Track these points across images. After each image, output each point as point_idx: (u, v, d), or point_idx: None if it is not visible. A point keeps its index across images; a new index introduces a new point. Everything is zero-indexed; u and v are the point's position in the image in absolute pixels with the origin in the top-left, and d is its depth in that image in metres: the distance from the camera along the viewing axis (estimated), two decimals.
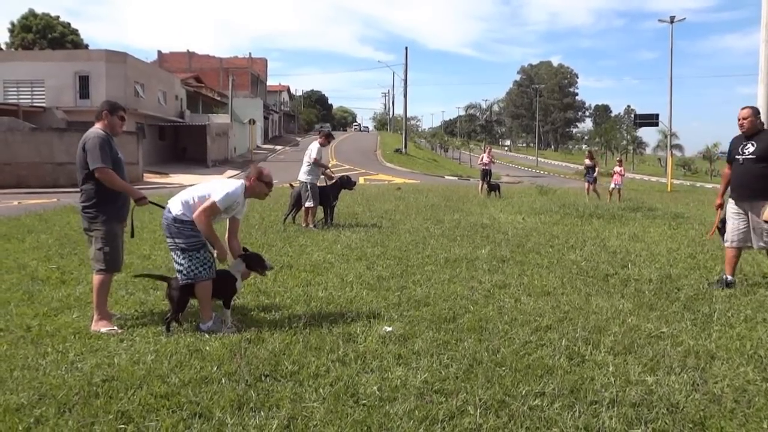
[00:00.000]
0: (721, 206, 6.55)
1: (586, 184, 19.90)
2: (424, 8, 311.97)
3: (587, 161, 20.26)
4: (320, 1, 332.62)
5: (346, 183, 11.14)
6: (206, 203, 4.70)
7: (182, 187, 20.59)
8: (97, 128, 4.96)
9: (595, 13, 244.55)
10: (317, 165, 10.63)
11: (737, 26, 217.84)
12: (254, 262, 5.07)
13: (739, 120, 6.13)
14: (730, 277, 6.25)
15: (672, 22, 39.00)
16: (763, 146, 5.96)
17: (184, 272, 4.72)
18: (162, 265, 7.16)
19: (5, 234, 9.80)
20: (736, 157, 6.19)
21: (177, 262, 4.76)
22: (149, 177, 29.80)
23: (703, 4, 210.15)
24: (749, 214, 6.10)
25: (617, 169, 20.08)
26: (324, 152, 11.15)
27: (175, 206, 4.78)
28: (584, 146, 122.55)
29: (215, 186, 4.86)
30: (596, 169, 19.86)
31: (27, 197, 18.71)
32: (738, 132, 6.28)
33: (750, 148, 6.07)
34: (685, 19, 40.89)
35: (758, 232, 6.07)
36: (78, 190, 5.00)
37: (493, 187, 19.65)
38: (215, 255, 4.89)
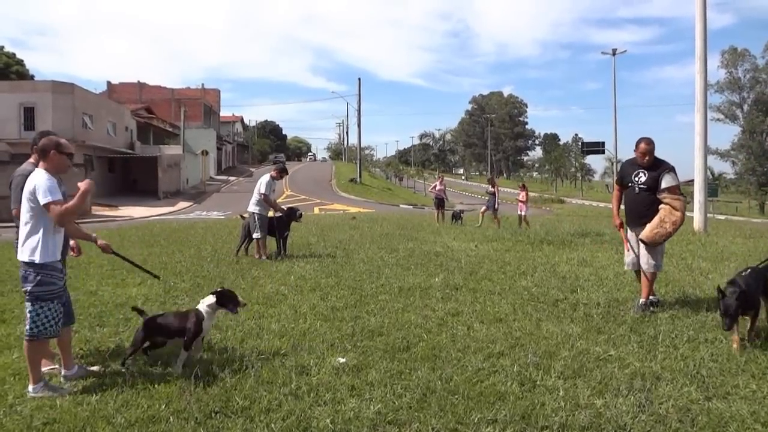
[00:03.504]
0: (622, 225, 6.77)
1: (484, 208, 19.55)
2: (375, 40, 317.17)
3: (490, 188, 19.87)
4: (271, 33, 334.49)
5: (292, 215, 11.05)
6: (53, 210, 4.11)
7: (132, 219, 20.04)
8: (28, 163, 4.79)
9: (540, 45, 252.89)
10: (266, 201, 10.56)
11: (675, 58, 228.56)
12: (226, 298, 4.79)
13: (645, 155, 6.33)
14: (651, 298, 6.55)
15: (614, 54, 40.75)
16: (655, 178, 6.29)
17: (30, 326, 4.17)
18: (109, 302, 6.96)
19: None
20: (629, 184, 6.51)
21: (27, 315, 4.21)
22: (98, 209, 29.02)
23: (643, 36, 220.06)
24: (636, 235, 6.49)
25: (521, 196, 19.95)
26: (276, 185, 11.09)
27: (22, 253, 4.23)
28: (535, 173, 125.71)
29: (29, 195, 4.19)
30: (497, 196, 19.42)
31: None
32: (631, 157, 6.74)
33: (642, 177, 6.37)
34: (626, 51, 42.97)
35: (645, 254, 6.38)
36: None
37: (456, 216, 19.77)
38: (100, 245, 4.73)
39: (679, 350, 5.00)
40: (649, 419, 3.65)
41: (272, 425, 3.53)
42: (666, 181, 6.25)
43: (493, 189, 19.50)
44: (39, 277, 4.16)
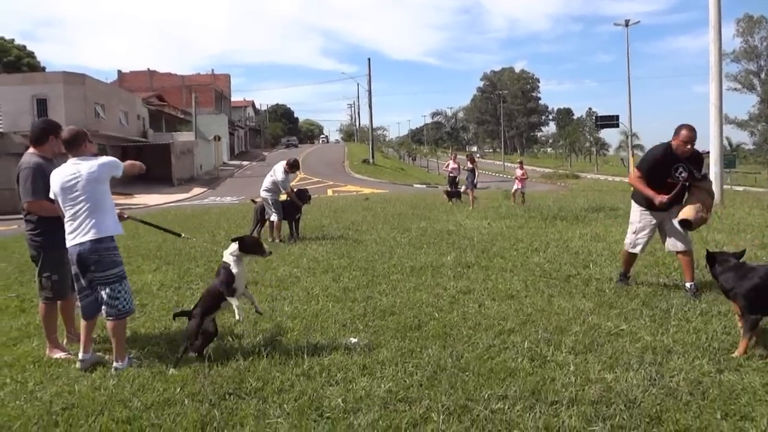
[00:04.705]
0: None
1: (464, 188, 19.15)
2: (385, 20, 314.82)
3: (468, 164, 19.35)
4: (279, 17, 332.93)
5: (302, 197, 11.08)
6: (131, 170, 4.69)
7: (147, 207, 20.19)
8: (30, 154, 4.81)
9: (552, 18, 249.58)
10: (283, 189, 10.61)
11: (689, 28, 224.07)
12: (250, 245, 4.72)
13: (687, 143, 5.84)
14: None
15: (627, 25, 40.05)
16: (697, 170, 6.01)
17: (120, 306, 4.33)
18: None
19: None
20: (668, 180, 5.99)
21: (112, 297, 4.31)
22: (114, 198, 29.04)
23: (656, 6, 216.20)
24: (661, 219, 6.21)
25: (518, 172, 19.55)
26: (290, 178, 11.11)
27: (84, 234, 4.26)
28: (549, 149, 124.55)
29: (89, 181, 4.31)
30: (476, 173, 18.98)
31: None
32: (659, 146, 6.19)
33: (684, 173, 5.96)
34: (639, 22, 42.16)
35: (673, 235, 6.14)
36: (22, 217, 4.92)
37: (454, 194, 19.60)
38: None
39: (692, 324, 4.98)
40: (660, 392, 3.65)
41: (285, 405, 3.58)
42: (704, 169, 6.07)
43: (472, 165, 19.15)
44: (116, 258, 4.36)
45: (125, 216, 5.01)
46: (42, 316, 4.88)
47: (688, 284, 6.03)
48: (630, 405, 3.49)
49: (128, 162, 4.74)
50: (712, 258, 4.77)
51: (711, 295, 5.79)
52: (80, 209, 4.29)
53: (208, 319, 4.55)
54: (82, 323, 4.48)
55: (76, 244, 4.29)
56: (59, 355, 4.71)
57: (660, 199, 5.92)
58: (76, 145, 4.40)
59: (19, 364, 4.63)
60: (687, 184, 6.02)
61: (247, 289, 4.91)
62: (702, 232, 9.87)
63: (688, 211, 5.91)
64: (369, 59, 58.27)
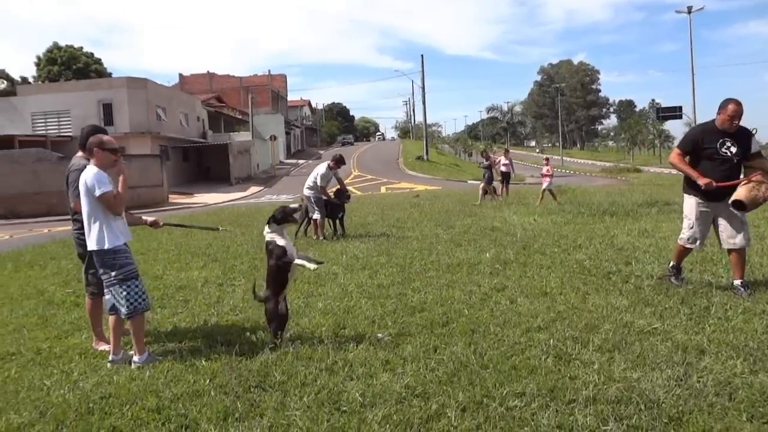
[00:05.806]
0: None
1: (482, 185, 18.80)
2: (440, 15, 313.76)
3: (483, 161, 19.25)
4: (335, 16, 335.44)
5: (342, 197, 11.22)
6: (107, 200, 4.44)
7: (206, 205, 20.78)
8: (79, 157, 5.09)
9: (612, 8, 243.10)
10: (322, 192, 10.79)
11: (759, 12, 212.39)
12: (280, 217, 4.92)
13: (734, 118, 5.59)
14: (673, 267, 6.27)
15: (690, 12, 38.51)
16: (746, 147, 5.71)
17: (125, 305, 4.52)
18: (172, 285, 7.36)
19: (29, 261, 10.23)
20: (714, 155, 5.72)
21: (117, 297, 4.56)
22: (174, 198, 30.40)
23: None
24: (717, 210, 5.84)
25: (544, 170, 18.69)
26: (332, 174, 11.24)
27: (90, 242, 4.55)
28: (611, 143, 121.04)
29: (85, 189, 4.47)
30: (492, 169, 18.86)
31: (56, 225, 19.23)
32: (704, 123, 6.04)
33: (732, 148, 5.68)
34: (703, 8, 40.24)
35: (731, 228, 5.77)
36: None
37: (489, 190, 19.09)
38: (150, 222, 5.16)
39: (731, 322, 4.79)
40: (684, 393, 3.55)
41: (305, 398, 3.69)
42: (755, 146, 5.77)
43: (488, 162, 19.07)
44: (116, 261, 4.53)
45: (160, 224, 5.21)
46: (88, 310, 5.18)
47: (736, 281, 5.76)
48: (650, 405, 3.42)
49: (113, 196, 4.52)
50: None
51: (758, 293, 5.56)
52: (84, 214, 4.58)
53: (282, 300, 4.82)
54: (110, 319, 4.71)
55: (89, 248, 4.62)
56: (104, 347, 4.99)
57: (705, 181, 5.60)
58: (88, 150, 4.67)
59: (67, 355, 4.94)
60: (737, 161, 5.68)
61: (299, 251, 5.05)
62: (759, 228, 9.43)
63: (740, 191, 5.58)
64: (422, 56, 57.88)
